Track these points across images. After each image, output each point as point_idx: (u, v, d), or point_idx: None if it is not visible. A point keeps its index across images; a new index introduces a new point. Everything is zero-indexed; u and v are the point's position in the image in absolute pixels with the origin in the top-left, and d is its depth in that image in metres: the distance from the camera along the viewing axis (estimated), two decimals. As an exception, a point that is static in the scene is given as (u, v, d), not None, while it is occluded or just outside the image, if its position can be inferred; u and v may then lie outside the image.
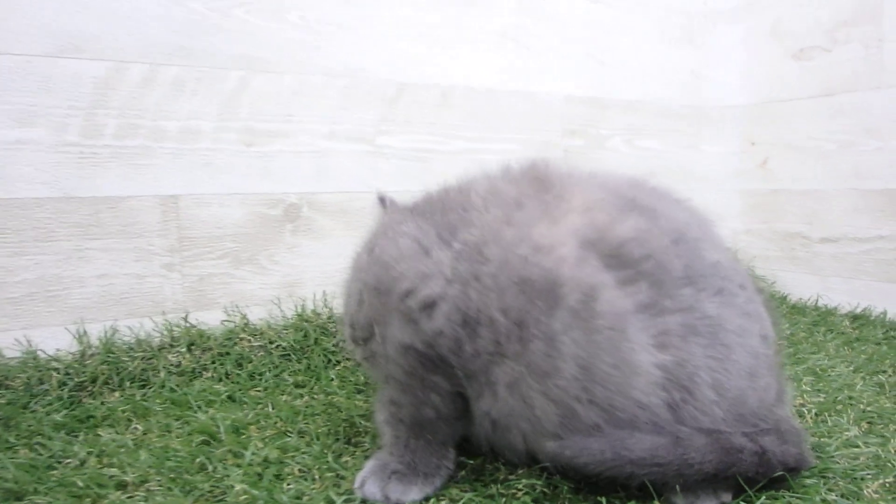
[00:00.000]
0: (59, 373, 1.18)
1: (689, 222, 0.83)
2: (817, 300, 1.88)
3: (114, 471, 0.86)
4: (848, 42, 1.81)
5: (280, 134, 1.46)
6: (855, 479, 0.83)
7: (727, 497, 0.76)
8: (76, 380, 1.18)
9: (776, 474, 0.76)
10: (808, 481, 0.81)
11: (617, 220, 0.78)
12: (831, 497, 0.78)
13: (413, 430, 0.84)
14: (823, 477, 0.83)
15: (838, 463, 0.87)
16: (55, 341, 1.26)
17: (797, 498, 0.78)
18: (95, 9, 1.29)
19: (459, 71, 1.66)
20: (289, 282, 1.47)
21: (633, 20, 1.95)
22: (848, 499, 0.78)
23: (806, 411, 1.06)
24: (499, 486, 0.82)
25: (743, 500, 0.77)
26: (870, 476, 0.83)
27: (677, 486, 0.74)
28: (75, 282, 1.30)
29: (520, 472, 0.85)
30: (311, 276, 1.49)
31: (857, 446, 0.92)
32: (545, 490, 0.80)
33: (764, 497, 0.77)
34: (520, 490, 0.81)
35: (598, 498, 0.77)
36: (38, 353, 1.23)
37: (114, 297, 1.33)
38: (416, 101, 1.61)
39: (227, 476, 0.84)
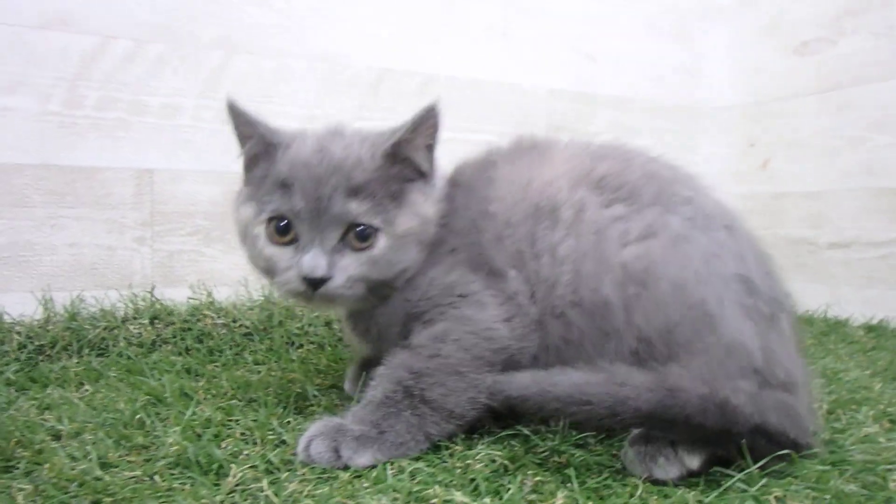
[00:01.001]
0: (20, 336, 1.20)
1: (659, 170, 0.94)
2: (827, 311, 1.72)
3: (52, 421, 0.86)
4: (856, 32, 1.70)
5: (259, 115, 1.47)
6: (877, 472, 0.76)
7: (693, 462, 0.73)
8: (36, 343, 1.19)
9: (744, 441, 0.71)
10: (819, 467, 0.75)
11: (596, 165, 0.92)
12: (850, 488, 0.71)
13: (417, 406, 0.81)
14: (838, 468, 0.77)
15: (855, 456, 0.80)
16: (22, 306, 1.27)
17: (809, 487, 0.71)
18: (85, -17, 1.33)
19: (443, 60, 1.68)
20: (259, 263, 1.48)
21: (625, 15, 1.94)
22: (870, 489, 0.72)
23: (816, 408, 0.96)
24: (454, 459, 0.78)
25: (744, 482, 0.71)
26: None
27: (630, 453, 0.73)
28: (46, 249, 1.32)
29: (480, 444, 0.82)
30: (281, 259, 1.50)
31: (878, 442, 0.85)
32: (505, 463, 0.77)
33: (766, 479, 0.71)
34: (478, 461, 0.77)
35: (566, 471, 0.74)
36: (4, 315, 1.24)
37: (83, 267, 1.34)
38: (397, 88, 1.63)
39: (165, 433, 0.84)
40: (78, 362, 1.17)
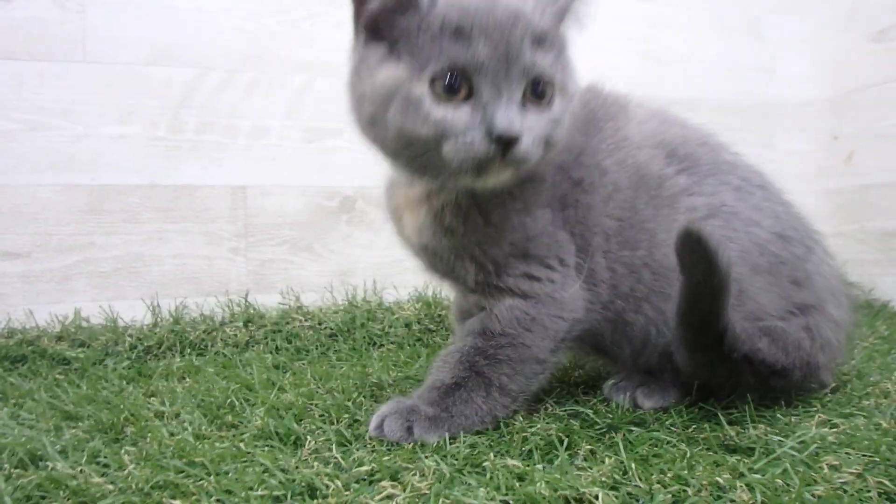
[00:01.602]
0: (131, 338, 1.33)
1: (708, 133, 1.01)
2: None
3: (155, 404, 0.96)
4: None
5: (338, 132, 1.57)
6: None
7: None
8: (145, 344, 1.32)
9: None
10: (873, 436, 0.76)
11: (664, 130, 0.97)
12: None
13: (490, 392, 0.84)
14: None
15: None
16: (132, 312, 1.41)
17: (864, 455, 0.72)
18: (184, 23, 1.48)
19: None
20: (342, 270, 1.57)
21: (691, 16, 1.91)
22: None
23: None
24: (513, 434, 0.81)
25: (796, 451, 0.73)
26: None
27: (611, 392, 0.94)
28: (154, 260, 1.46)
29: (538, 422, 0.84)
30: (362, 265, 1.58)
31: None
32: (560, 435, 0.79)
33: (816, 446, 0.73)
34: (535, 434, 0.80)
35: (616, 440, 0.77)
36: (118, 320, 1.38)
37: (186, 276, 1.47)
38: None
39: (252, 414, 0.91)
40: (180, 360, 1.28)
